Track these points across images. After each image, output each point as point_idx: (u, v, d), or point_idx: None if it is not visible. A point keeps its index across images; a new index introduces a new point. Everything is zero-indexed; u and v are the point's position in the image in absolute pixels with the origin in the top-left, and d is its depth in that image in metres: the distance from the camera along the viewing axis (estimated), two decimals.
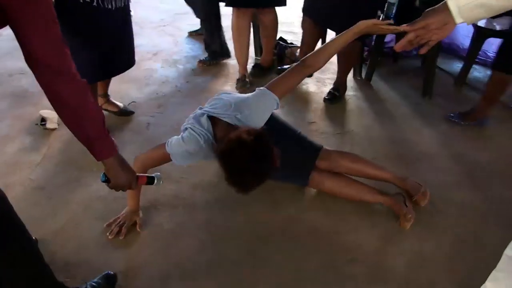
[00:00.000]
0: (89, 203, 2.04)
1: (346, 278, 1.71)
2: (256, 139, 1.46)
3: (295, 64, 1.82)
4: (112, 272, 1.67)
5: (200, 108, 1.86)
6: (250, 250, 1.83)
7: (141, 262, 1.76)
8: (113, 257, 1.78)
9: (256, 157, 1.45)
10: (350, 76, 3.44)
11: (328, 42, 1.81)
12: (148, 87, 3.04)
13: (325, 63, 1.83)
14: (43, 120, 2.57)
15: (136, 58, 2.54)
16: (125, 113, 2.71)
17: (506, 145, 2.64)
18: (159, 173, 1.55)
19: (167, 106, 2.84)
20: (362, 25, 1.67)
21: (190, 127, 1.73)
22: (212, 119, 1.75)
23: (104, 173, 1.37)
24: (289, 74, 1.80)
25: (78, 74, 1.16)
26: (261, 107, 1.76)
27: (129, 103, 2.80)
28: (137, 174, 1.45)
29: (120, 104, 2.71)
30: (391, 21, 1.62)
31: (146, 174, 1.53)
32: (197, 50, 3.80)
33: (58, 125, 2.56)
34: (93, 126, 1.24)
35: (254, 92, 1.80)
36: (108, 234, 1.86)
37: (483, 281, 1.73)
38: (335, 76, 3.40)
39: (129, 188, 1.44)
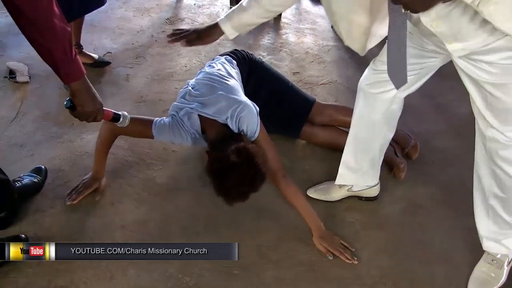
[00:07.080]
0: (75, 159, 1.95)
1: (344, 225, 1.77)
2: (245, 160, 1.42)
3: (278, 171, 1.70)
4: (43, 166, 1.79)
5: (188, 85, 1.75)
6: (249, 201, 1.82)
7: (139, 219, 1.73)
8: (109, 213, 1.74)
9: (245, 180, 1.42)
10: (328, 25, 3.39)
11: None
12: (123, 37, 2.87)
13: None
14: (12, 72, 2.39)
15: (105, 6, 2.38)
16: (101, 64, 2.53)
17: None
18: (125, 112, 1.49)
19: (145, 56, 2.70)
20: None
21: (179, 123, 1.65)
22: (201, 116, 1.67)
23: (69, 98, 1.28)
24: (271, 154, 1.68)
25: None
26: (247, 124, 1.63)
27: (105, 54, 2.64)
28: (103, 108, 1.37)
29: (95, 55, 2.54)
30: None
31: (112, 110, 1.44)
32: None
33: (30, 77, 2.39)
34: (58, 45, 1.14)
35: (252, 109, 1.64)
36: (66, 200, 1.75)
37: (469, 224, 1.81)
38: (313, 26, 3.36)
39: (94, 120, 1.36)
